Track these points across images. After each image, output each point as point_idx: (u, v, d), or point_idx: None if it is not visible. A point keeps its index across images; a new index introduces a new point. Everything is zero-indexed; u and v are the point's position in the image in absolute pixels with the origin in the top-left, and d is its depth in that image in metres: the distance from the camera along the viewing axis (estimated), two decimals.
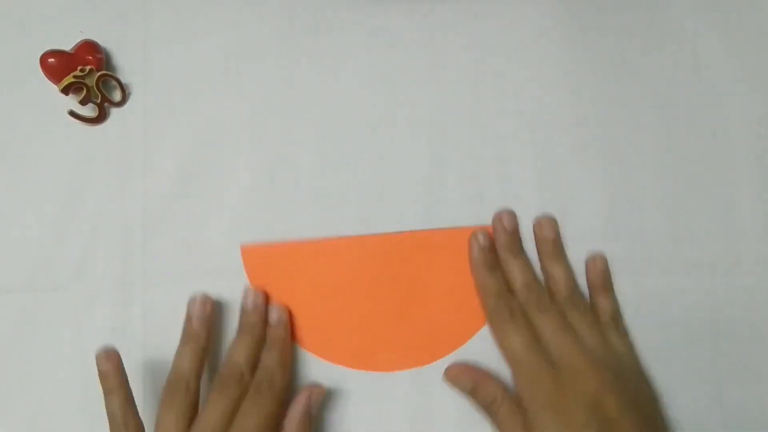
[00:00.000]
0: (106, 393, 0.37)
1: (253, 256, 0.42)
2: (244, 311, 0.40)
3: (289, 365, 0.39)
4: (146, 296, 0.42)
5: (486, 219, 0.42)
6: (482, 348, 0.41)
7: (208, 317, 0.40)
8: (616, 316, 0.40)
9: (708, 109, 0.43)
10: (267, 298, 0.41)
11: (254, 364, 0.38)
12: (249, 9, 0.44)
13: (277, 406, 0.37)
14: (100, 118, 0.43)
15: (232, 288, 0.42)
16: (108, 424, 0.37)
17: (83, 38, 0.43)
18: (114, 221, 0.43)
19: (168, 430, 0.36)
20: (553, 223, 0.41)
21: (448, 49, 0.44)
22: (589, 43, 0.44)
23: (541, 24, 0.44)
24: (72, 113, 0.43)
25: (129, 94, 0.44)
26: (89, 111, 0.43)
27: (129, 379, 0.39)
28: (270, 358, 0.38)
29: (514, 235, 0.41)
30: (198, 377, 0.38)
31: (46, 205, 0.43)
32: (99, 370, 0.37)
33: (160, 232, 0.43)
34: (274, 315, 0.40)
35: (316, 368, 0.41)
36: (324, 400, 0.40)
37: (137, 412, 0.37)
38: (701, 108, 0.43)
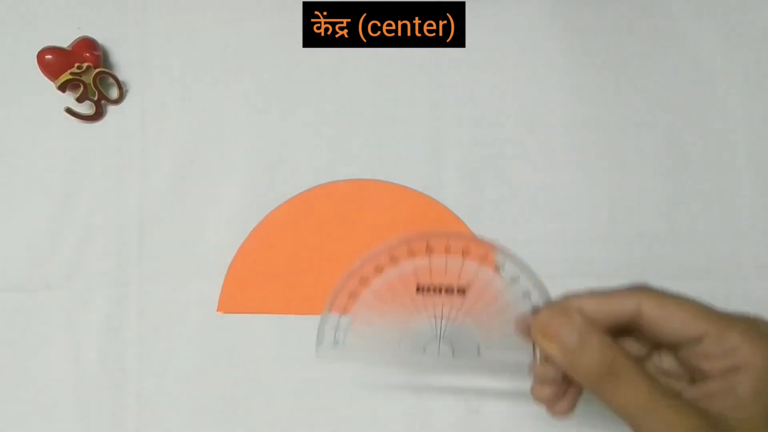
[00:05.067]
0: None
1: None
2: None
3: None
4: (141, 295, 0.42)
5: (486, 219, 0.42)
6: None
7: None
8: None
9: (708, 110, 0.43)
10: None
11: None
12: (247, 6, 0.44)
13: None
14: (97, 115, 0.43)
15: None
16: None
17: (81, 35, 0.43)
18: (110, 220, 0.42)
19: None
20: None
21: (447, 48, 0.43)
22: (590, 43, 0.43)
23: (541, 24, 0.44)
24: (69, 110, 0.42)
25: (126, 91, 0.43)
26: (86, 108, 0.43)
27: (122, 377, 0.39)
28: None
29: None
30: None
31: (42, 203, 0.43)
32: None
33: (156, 231, 0.42)
34: None
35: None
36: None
37: None
38: (701, 109, 0.43)
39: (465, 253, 0.31)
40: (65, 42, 0.42)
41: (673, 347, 0.30)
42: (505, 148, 0.43)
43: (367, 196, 0.42)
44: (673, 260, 0.42)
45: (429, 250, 0.31)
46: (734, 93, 0.43)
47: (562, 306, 0.29)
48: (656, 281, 0.41)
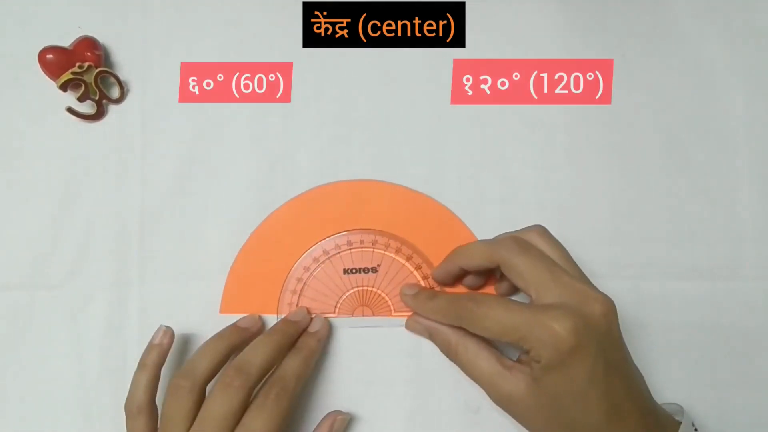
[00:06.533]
0: (140, 366, 0.38)
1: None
2: (284, 318, 0.40)
3: (305, 378, 0.38)
4: (142, 295, 0.42)
5: (486, 219, 0.42)
6: None
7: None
8: None
9: (708, 110, 0.43)
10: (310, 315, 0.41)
11: (267, 369, 0.37)
12: (247, 6, 0.44)
13: (284, 416, 0.35)
14: (99, 115, 0.43)
15: None
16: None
17: (82, 34, 0.43)
18: (111, 219, 0.42)
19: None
20: None
21: (447, 48, 0.44)
22: (590, 43, 0.44)
23: (541, 24, 0.44)
24: (70, 110, 0.42)
25: (127, 91, 0.43)
26: (87, 108, 0.43)
27: (123, 377, 0.39)
28: (291, 365, 0.37)
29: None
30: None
31: (43, 203, 0.43)
32: (151, 343, 0.38)
33: (157, 231, 0.42)
34: (316, 324, 0.40)
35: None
36: (348, 425, 0.40)
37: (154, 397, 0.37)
38: (701, 109, 0.43)
39: (374, 243, 0.41)
40: (66, 41, 0.42)
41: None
42: (505, 148, 0.43)
43: (367, 196, 0.42)
44: (673, 260, 0.42)
45: (349, 244, 0.41)
46: (735, 93, 0.43)
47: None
48: (656, 281, 0.42)
